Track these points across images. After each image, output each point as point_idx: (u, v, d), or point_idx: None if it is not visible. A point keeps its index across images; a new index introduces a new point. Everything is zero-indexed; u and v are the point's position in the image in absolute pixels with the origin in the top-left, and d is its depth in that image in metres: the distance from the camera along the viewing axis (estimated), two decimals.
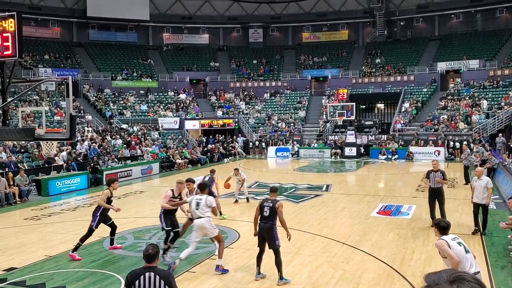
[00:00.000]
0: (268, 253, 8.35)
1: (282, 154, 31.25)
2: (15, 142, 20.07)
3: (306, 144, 32.40)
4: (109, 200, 9.60)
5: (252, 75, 43.42)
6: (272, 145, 32.06)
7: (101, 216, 9.53)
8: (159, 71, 42.40)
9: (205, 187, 8.74)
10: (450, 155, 27.65)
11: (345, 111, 31.16)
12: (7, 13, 6.18)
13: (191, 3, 45.81)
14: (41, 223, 12.81)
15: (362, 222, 12.24)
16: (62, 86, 31.05)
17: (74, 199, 16.92)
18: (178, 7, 45.93)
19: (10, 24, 6.10)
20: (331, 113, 32.04)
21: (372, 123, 34.96)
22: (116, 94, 37.87)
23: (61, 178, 18.45)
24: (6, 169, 17.46)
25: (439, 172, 11.03)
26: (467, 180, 18.08)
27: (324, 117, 34.49)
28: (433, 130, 30.03)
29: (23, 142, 19.99)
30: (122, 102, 36.74)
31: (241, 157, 31.15)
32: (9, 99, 6.88)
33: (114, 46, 44.21)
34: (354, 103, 31.83)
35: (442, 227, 5.82)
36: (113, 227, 9.81)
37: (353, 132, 30.73)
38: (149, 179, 22.51)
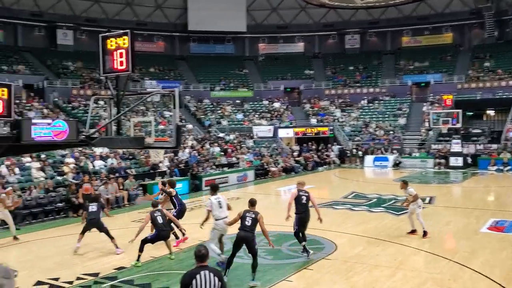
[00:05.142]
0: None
1: (380, 163, 30.10)
2: (124, 150, 21.62)
3: (407, 153, 30.95)
4: None
5: (348, 82, 42.62)
6: (369, 154, 31.05)
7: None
8: (254, 80, 43.34)
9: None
10: None
11: (450, 119, 29.23)
12: (121, 31, 6.69)
13: (287, 12, 46.29)
14: (147, 226, 13.59)
15: (470, 238, 11.35)
16: (165, 97, 33.01)
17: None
18: (274, 17, 46.66)
19: (124, 41, 6.59)
20: (435, 121, 30.31)
21: (480, 131, 32.40)
22: (215, 104, 39.45)
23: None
24: (116, 174, 18.90)
25: None
26: None
27: (427, 124, 32.71)
28: None
29: (132, 149, 21.45)
30: (219, 111, 38.16)
31: (336, 166, 30.63)
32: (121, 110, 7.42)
33: (212, 58, 46.04)
34: (460, 110, 29.70)
35: None
36: None
37: (459, 141, 28.71)
38: (245, 186, 23.00)
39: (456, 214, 14.36)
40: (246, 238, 8.19)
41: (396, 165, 29.57)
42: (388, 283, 8.15)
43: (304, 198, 9.92)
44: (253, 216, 8.24)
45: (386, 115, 36.75)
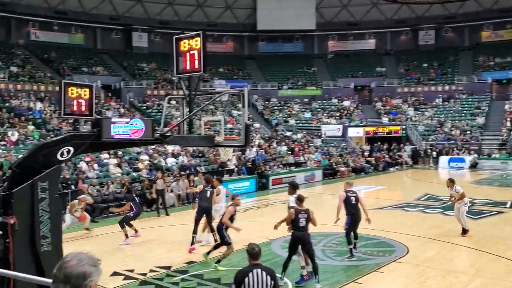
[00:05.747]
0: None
1: (456, 164, 28.57)
2: (194, 148, 22.25)
3: (486, 154, 29.14)
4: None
5: (422, 79, 40.89)
6: (444, 155, 29.56)
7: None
8: (323, 78, 42.82)
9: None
10: None
11: None
12: (194, 33, 6.87)
13: (358, 9, 45.25)
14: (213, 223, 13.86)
15: None
16: (233, 97, 33.54)
17: (244, 201, 17.98)
18: (344, 14, 45.81)
19: (196, 43, 6.76)
20: None
21: None
22: (282, 103, 39.50)
23: (233, 181, 19.88)
24: (187, 172, 19.51)
25: None
26: None
27: (508, 124, 30.61)
28: None
29: (201, 147, 22.01)
30: (287, 110, 38.16)
31: (408, 167, 29.50)
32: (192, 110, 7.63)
33: (281, 57, 46.05)
34: None
35: None
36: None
37: None
38: (312, 185, 22.79)
39: None
40: (303, 239, 8.02)
41: (473, 166, 27.93)
42: None
43: (353, 198, 9.93)
44: (306, 216, 8.05)
45: (463, 114, 34.83)
